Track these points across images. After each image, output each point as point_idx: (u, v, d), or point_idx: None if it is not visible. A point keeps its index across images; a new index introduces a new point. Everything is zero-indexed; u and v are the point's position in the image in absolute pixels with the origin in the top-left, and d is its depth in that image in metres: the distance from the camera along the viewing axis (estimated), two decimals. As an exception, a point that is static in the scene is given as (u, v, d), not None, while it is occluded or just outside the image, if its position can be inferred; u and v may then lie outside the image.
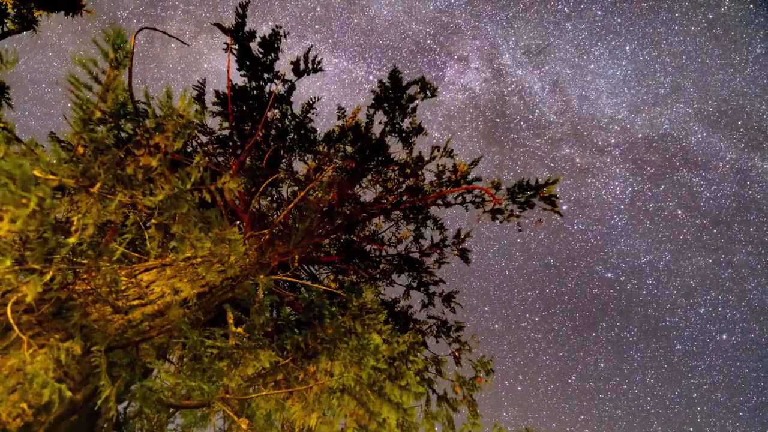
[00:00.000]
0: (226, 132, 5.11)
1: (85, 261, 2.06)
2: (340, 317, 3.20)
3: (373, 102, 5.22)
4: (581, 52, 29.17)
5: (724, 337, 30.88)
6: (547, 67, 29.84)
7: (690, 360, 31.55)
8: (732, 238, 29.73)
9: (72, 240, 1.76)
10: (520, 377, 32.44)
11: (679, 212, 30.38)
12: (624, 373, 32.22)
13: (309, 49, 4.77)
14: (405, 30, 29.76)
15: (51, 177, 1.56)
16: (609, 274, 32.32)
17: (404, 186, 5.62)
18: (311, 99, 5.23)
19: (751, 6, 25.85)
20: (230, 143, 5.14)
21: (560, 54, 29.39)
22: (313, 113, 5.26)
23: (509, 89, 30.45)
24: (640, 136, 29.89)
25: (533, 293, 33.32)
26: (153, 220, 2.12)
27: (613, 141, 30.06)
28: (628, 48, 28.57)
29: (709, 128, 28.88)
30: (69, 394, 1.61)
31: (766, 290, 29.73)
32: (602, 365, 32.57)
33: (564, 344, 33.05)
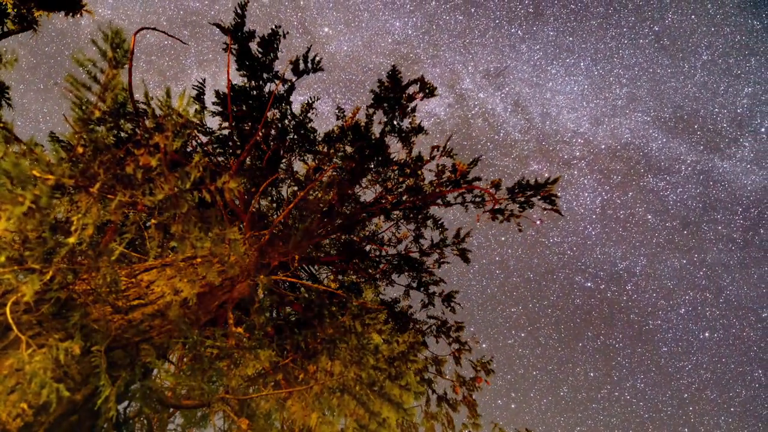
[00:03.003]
0: (226, 132, 5.11)
1: (85, 261, 2.06)
2: (340, 317, 3.19)
3: (372, 102, 5.22)
4: (538, 71, 30.08)
5: (707, 335, 31.34)
6: (507, 88, 30.74)
7: (677, 361, 31.91)
8: (702, 237, 30.54)
9: (72, 240, 1.76)
10: (513, 395, 32.70)
11: (649, 217, 31.08)
12: (614, 381, 32.49)
13: (309, 49, 4.77)
14: (366, 64, 30.58)
15: (48, 176, 1.56)
16: (588, 284, 32.85)
17: (404, 186, 5.61)
18: (311, 98, 5.23)
19: (693, 17, 27.01)
20: (230, 143, 5.14)
21: (519, 75, 30.33)
22: (312, 113, 5.25)
23: (473, 112, 31.22)
24: (603, 147, 30.79)
25: (516, 309, 33.69)
26: (153, 220, 2.12)
27: (578, 154, 30.93)
28: (582, 64, 29.61)
29: (668, 134, 29.87)
30: (67, 394, 1.61)
31: (740, 285, 30.41)
32: (592, 374, 32.83)
33: (552, 357, 33.35)
